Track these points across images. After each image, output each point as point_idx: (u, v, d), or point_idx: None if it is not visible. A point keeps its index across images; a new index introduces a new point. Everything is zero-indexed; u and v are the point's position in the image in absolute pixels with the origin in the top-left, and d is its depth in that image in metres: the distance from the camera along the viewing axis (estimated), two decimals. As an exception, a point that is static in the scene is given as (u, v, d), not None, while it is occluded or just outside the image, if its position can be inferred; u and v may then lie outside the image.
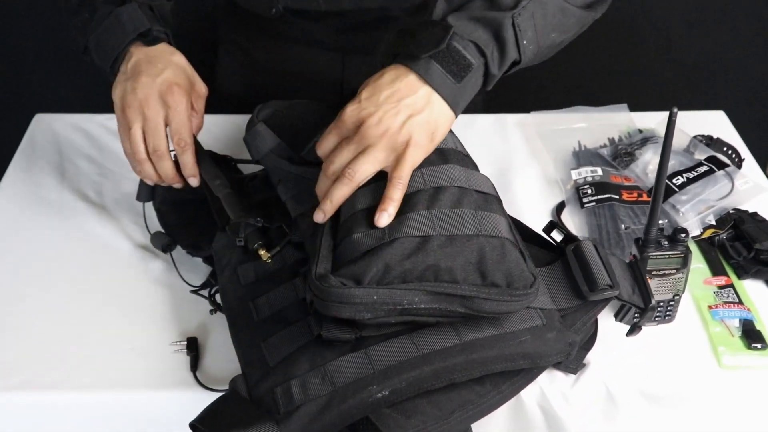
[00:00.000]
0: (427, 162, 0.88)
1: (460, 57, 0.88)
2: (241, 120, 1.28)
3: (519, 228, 0.97)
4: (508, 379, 0.84)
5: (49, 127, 1.31)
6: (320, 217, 0.87)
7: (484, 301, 0.80)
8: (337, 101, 0.97)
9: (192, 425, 0.79)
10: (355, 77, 1.30)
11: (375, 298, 0.78)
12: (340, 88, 1.32)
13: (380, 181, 0.87)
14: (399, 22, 1.25)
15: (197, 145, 1.01)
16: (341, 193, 0.87)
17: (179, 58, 1.02)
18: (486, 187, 0.90)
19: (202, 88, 1.03)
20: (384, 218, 0.83)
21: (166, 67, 0.99)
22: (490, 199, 0.89)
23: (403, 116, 0.86)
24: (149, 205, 1.07)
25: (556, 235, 0.94)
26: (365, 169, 0.86)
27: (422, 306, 0.79)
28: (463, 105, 0.91)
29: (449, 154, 0.91)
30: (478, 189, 0.88)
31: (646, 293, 0.89)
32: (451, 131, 0.97)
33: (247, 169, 1.10)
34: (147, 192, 1.04)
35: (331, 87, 1.32)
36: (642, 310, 0.90)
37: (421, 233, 0.82)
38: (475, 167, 0.94)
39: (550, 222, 0.95)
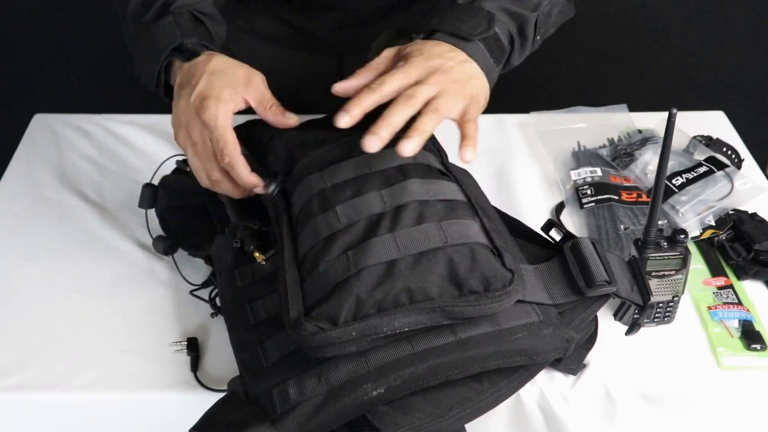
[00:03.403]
0: (386, 181, 0.87)
1: (500, 43, 0.94)
2: (239, 120, 1.29)
3: (517, 227, 0.97)
4: (506, 376, 0.84)
5: (49, 127, 1.31)
6: (376, 146, 0.84)
7: (465, 308, 0.79)
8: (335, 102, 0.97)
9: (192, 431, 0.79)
10: None
11: (354, 334, 0.77)
12: None
13: (330, 210, 0.85)
14: (397, 18, 1.26)
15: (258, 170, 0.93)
16: (403, 115, 0.85)
17: (216, 63, 0.94)
18: (450, 193, 0.88)
19: (255, 76, 0.95)
20: (469, 153, 0.88)
21: (199, 81, 0.92)
22: (456, 205, 0.87)
23: (467, 73, 0.91)
24: (151, 211, 1.07)
25: (555, 234, 0.94)
26: (449, 110, 0.88)
27: (405, 328, 0.79)
28: (492, 86, 0.96)
29: (408, 168, 0.89)
30: (441, 198, 0.87)
31: (644, 290, 0.89)
32: (432, 137, 0.97)
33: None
34: (149, 199, 1.05)
35: (330, 88, 1.32)
36: (641, 307, 0.90)
37: (387, 258, 0.80)
38: (438, 175, 0.91)
39: (549, 220, 0.95)
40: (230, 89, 0.91)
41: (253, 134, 0.98)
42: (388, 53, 0.94)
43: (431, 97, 0.87)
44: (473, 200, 0.90)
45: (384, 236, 0.82)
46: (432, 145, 0.97)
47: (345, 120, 0.85)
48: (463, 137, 0.88)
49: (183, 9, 1.00)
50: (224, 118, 0.89)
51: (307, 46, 1.29)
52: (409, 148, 0.84)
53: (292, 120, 0.95)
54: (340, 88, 0.91)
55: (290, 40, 1.29)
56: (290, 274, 0.83)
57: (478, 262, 0.81)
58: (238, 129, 0.93)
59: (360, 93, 0.87)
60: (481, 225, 0.87)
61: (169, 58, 0.96)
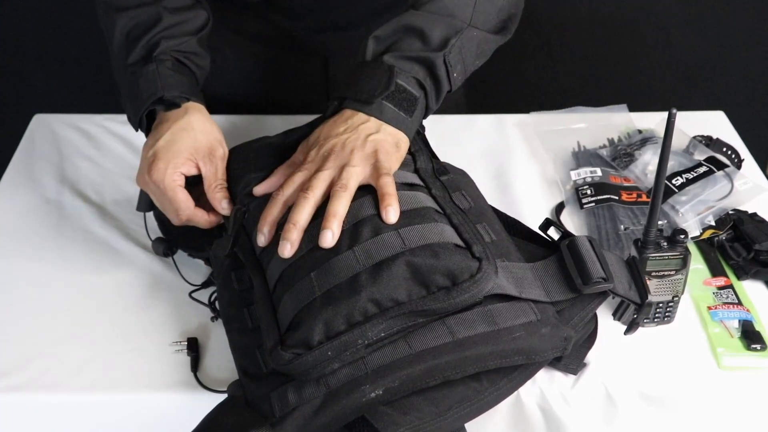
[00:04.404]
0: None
1: (407, 93, 0.94)
2: (239, 120, 1.29)
3: (516, 227, 0.97)
4: (506, 375, 0.84)
5: (48, 127, 1.31)
6: (329, 238, 0.84)
7: (437, 306, 0.80)
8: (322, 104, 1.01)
9: None
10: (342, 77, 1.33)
11: (330, 353, 0.78)
12: (325, 92, 1.34)
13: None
14: (379, 22, 1.27)
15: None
16: (342, 204, 0.85)
17: (187, 121, 0.99)
18: (411, 202, 0.88)
19: (218, 151, 0.99)
20: (392, 213, 0.85)
21: (161, 137, 0.97)
22: (416, 213, 0.87)
23: (363, 136, 0.91)
24: (150, 213, 1.07)
25: (553, 233, 0.94)
26: (354, 181, 0.87)
27: (382, 334, 0.79)
28: (413, 134, 0.96)
29: (369, 187, 0.89)
30: (401, 209, 0.86)
31: (642, 289, 0.89)
32: (424, 140, 1.00)
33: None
34: (147, 202, 1.05)
35: (316, 89, 1.34)
36: (639, 306, 0.90)
37: (349, 274, 0.81)
38: (401, 188, 0.90)
39: (546, 219, 0.95)
40: (186, 155, 0.96)
41: (234, 159, 1.01)
42: (301, 147, 0.96)
43: (333, 178, 0.88)
44: (442, 202, 0.91)
45: (345, 253, 0.83)
46: (413, 150, 0.98)
47: (261, 240, 0.88)
48: (380, 197, 0.86)
49: (166, 55, 1.03)
50: (170, 181, 0.95)
51: (293, 47, 1.31)
52: (329, 238, 0.84)
53: (224, 211, 0.97)
54: (258, 190, 0.95)
55: (276, 41, 1.31)
56: (263, 306, 0.85)
57: (441, 258, 0.81)
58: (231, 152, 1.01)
59: (265, 209, 0.90)
60: (449, 222, 0.87)
61: (151, 108, 1.01)
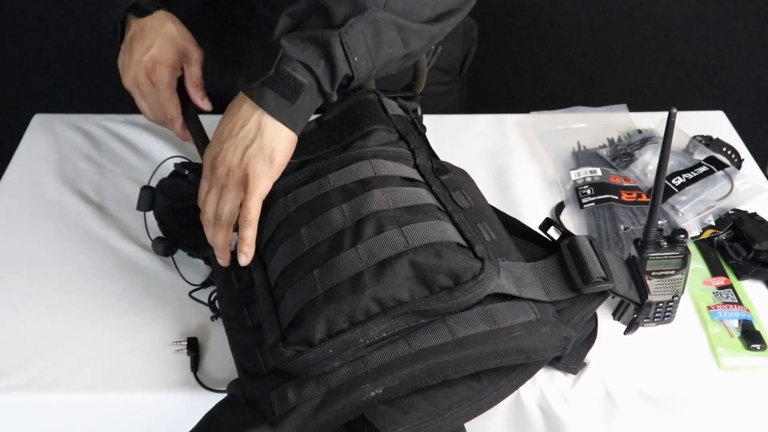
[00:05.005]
0: (347, 195, 0.88)
1: (291, 79, 0.89)
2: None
3: (516, 226, 0.97)
4: (506, 375, 0.84)
5: (48, 127, 1.31)
6: (243, 259, 0.89)
7: (439, 306, 0.80)
8: None
9: None
10: None
11: (331, 351, 0.78)
12: None
13: (294, 235, 0.87)
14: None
15: (193, 115, 1.10)
16: (219, 237, 0.91)
17: (170, 28, 1.09)
18: (414, 198, 0.88)
19: (194, 54, 1.09)
20: (242, 259, 0.89)
21: (153, 44, 1.07)
22: (419, 209, 0.87)
23: (240, 150, 0.90)
24: (150, 213, 1.07)
25: (553, 233, 0.94)
26: (227, 210, 0.90)
27: (384, 334, 0.79)
28: (303, 123, 0.92)
29: (370, 181, 0.90)
30: (403, 205, 0.87)
31: (642, 289, 0.89)
32: (424, 138, 0.98)
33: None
34: (147, 201, 1.05)
35: None
36: (638, 306, 0.90)
37: (352, 273, 0.81)
38: (403, 183, 0.91)
39: (546, 219, 0.95)
40: (178, 59, 1.08)
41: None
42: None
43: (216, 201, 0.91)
44: (443, 200, 0.90)
45: (347, 251, 0.83)
46: (412, 147, 0.98)
47: (242, 260, 0.90)
48: (238, 240, 0.89)
49: None
50: (171, 83, 1.08)
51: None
52: (243, 260, 0.89)
53: (206, 107, 1.10)
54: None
55: (267, 34, 1.30)
56: (265, 303, 0.85)
57: (444, 258, 0.81)
58: None
59: (207, 235, 0.94)
60: (451, 220, 0.87)
61: (126, 14, 1.10)
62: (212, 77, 1.40)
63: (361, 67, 0.91)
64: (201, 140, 1.09)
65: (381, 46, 0.92)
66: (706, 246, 1.08)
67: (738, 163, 1.21)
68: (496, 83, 1.86)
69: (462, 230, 0.86)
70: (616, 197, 1.13)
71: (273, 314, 0.84)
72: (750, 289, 1.03)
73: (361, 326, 0.78)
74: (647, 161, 1.17)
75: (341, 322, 0.79)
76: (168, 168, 1.08)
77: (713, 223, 1.08)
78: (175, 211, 1.04)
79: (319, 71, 0.89)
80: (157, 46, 1.07)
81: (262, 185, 0.90)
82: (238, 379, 0.85)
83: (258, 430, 0.77)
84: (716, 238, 1.08)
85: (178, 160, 1.08)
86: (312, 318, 0.79)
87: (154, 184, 1.06)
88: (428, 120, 1.01)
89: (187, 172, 1.05)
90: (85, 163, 1.24)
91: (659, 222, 0.99)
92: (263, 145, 0.89)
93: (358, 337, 0.78)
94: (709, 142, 1.22)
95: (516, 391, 0.88)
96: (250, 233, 0.89)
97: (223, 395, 0.86)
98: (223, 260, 0.92)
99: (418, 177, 0.94)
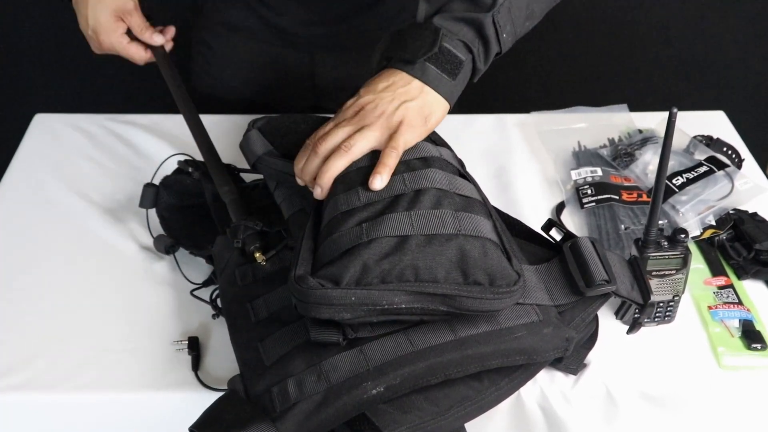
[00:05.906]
0: (409, 167, 0.89)
1: (452, 56, 0.94)
2: (241, 120, 1.29)
3: (518, 227, 0.97)
4: (506, 375, 0.84)
5: (49, 127, 1.31)
6: (318, 192, 0.89)
7: (466, 300, 0.80)
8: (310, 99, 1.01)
9: (191, 430, 0.79)
10: (329, 72, 1.34)
11: (353, 299, 0.78)
12: (312, 85, 1.36)
13: (352, 190, 0.87)
14: (362, 18, 1.28)
15: (163, 54, 1.21)
16: (337, 165, 0.89)
17: None
18: (468, 191, 0.90)
19: (128, 5, 1.19)
20: (377, 181, 0.86)
21: (88, 15, 1.17)
22: (473, 202, 0.89)
23: (398, 102, 0.92)
24: (152, 210, 1.07)
25: (555, 234, 0.94)
26: (361, 144, 0.90)
27: (403, 306, 0.79)
28: (456, 97, 0.96)
29: (432, 160, 0.91)
30: (460, 192, 0.89)
31: (645, 289, 0.89)
32: (446, 145, 0.99)
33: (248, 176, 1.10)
34: (150, 199, 1.05)
35: (303, 84, 1.36)
36: (641, 306, 0.90)
37: (400, 233, 0.82)
38: (460, 174, 0.93)
39: (549, 220, 0.95)
40: (115, 19, 1.18)
41: (272, 125, 1.03)
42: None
43: (349, 135, 0.91)
44: (488, 203, 0.92)
45: (400, 213, 0.83)
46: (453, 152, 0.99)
47: (318, 192, 0.90)
48: (377, 164, 0.88)
49: None
50: (120, 45, 1.20)
51: (280, 41, 1.33)
52: (318, 192, 0.90)
53: (159, 42, 1.21)
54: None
55: (263, 35, 1.33)
56: (306, 243, 0.85)
57: (489, 257, 0.82)
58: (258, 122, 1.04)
59: (308, 162, 0.93)
60: (494, 226, 0.88)
61: None
62: (212, 77, 1.41)
63: (507, 43, 0.99)
64: (222, 183, 1.03)
65: (522, 20, 1.00)
66: (706, 246, 1.08)
67: (738, 163, 1.21)
68: (496, 83, 1.85)
69: (501, 239, 0.87)
70: (617, 197, 1.13)
71: (310, 254, 0.84)
72: (750, 288, 1.03)
73: (391, 289, 0.79)
74: (648, 161, 1.17)
75: (374, 275, 0.79)
76: (170, 167, 1.08)
77: (714, 223, 1.08)
78: (177, 209, 1.05)
79: (475, 50, 0.95)
80: (91, 17, 1.18)
81: (409, 135, 0.91)
82: (239, 375, 0.85)
83: (259, 426, 0.77)
84: (717, 238, 1.08)
85: (182, 159, 1.09)
86: (348, 261, 0.80)
87: (157, 181, 1.06)
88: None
89: (190, 169, 1.06)
90: (86, 162, 1.24)
91: (660, 222, 0.99)
92: (424, 104, 0.93)
93: (383, 298, 0.78)
94: (710, 142, 1.22)
95: (517, 391, 0.88)
96: (393, 162, 0.88)
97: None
98: (323, 192, 0.90)
99: (464, 173, 0.95)
